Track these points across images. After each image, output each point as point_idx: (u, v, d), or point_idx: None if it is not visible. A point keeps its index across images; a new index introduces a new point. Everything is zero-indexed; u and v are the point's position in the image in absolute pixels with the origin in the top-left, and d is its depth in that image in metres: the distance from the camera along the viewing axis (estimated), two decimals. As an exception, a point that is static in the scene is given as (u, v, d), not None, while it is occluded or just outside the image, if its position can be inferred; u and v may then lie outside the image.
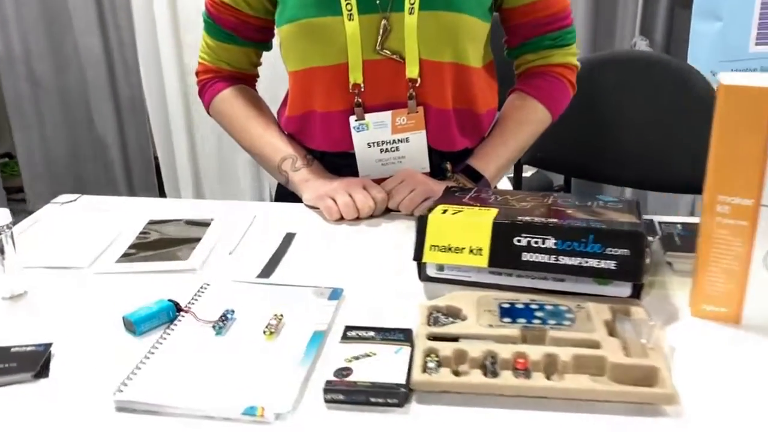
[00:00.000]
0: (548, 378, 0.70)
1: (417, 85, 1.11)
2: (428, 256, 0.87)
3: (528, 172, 2.43)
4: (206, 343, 0.77)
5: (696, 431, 0.65)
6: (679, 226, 0.99)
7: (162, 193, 3.00)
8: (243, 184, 2.89)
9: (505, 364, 0.71)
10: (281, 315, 0.81)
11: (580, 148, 1.81)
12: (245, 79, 1.28)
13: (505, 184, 2.60)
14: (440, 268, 0.90)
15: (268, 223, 1.09)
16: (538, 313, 0.79)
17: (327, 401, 0.69)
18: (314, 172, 1.16)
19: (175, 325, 0.81)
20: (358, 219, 1.09)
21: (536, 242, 0.83)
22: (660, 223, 1.00)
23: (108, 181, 3.06)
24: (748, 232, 0.76)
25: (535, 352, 0.72)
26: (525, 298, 0.83)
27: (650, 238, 1.00)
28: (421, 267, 0.90)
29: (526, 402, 0.69)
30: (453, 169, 1.18)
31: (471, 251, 0.85)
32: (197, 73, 1.28)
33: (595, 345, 0.74)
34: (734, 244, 0.77)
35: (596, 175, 1.96)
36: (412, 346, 0.74)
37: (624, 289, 0.84)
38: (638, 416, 0.67)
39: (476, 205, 0.92)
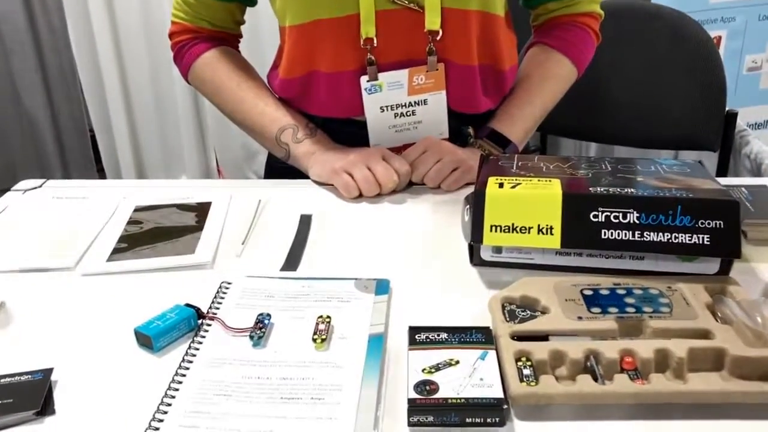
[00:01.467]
0: (664, 377, 0.60)
1: (438, 38, 0.97)
2: (489, 239, 0.75)
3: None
4: (246, 358, 0.64)
5: None
6: (744, 189, 0.89)
7: (101, 172, 2.78)
8: (188, 158, 2.69)
9: (610, 365, 0.61)
10: (328, 317, 0.68)
11: (561, 103, 1.72)
12: (228, 40, 1.12)
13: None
14: (497, 250, 0.78)
15: (274, 205, 0.95)
16: (629, 300, 0.69)
17: (412, 424, 0.57)
18: (320, 143, 1.02)
19: (203, 336, 0.67)
20: (379, 195, 0.96)
21: (616, 217, 0.72)
22: (726, 186, 0.90)
23: (38, 158, 2.80)
24: None
25: (643, 349, 0.61)
26: (606, 281, 0.72)
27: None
28: (476, 250, 0.78)
29: (641, 409, 0.58)
30: (476, 134, 1.05)
31: (540, 230, 0.74)
32: (171, 35, 1.11)
33: (706, 335, 0.64)
34: None
35: (578, 132, 1.88)
36: (496, 348, 0.63)
37: (712, 265, 0.74)
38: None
39: (531, 175, 0.80)
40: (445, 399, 0.57)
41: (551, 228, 0.73)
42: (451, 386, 0.58)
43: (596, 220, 0.73)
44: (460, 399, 0.57)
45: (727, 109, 1.51)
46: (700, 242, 0.71)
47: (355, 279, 0.75)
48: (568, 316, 0.66)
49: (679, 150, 2.15)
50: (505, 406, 0.56)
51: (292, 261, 0.80)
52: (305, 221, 0.89)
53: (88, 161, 2.86)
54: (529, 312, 0.68)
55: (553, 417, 0.58)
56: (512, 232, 0.74)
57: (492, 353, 0.62)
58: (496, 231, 0.75)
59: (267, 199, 0.96)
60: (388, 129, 1.03)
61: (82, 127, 2.81)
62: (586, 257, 0.76)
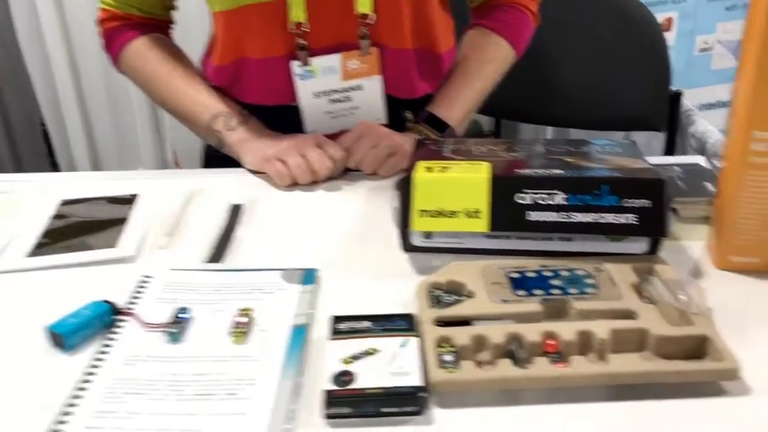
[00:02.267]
0: (586, 359, 0.59)
1: (370, 21, 0.95)
2: (418, 224, 0.73)
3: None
4: (159, 355, 0.62)
5: (766, 407, 0.56)
6: (676, 168, 0.89)
7: (54, 165, 2.71)
8: (144, 151, 2.64)
9: (533, 348, 0.60)
10: (249, 309, 0.66)
11: (512, 88, 1.72)
12: (159, 27, 1.08)
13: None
14: (427, 235, 0.76)
15: (205, 195, 0.92)
16: (555, 281, 0.68)
17: (329, 417, 0.55)
18: (253, 131, 1.00)
19: (115, 333, 0.64)
20: (314, 183, 0.94)
21: (543, 198, 0.71)
22: (656, 165, 0.90)
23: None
24: (785, 171, 0.67)
25: (565, 331, 0.60)
26: (533, 264, 0.71)
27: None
28: (406, 236, 0.77)
29: (564, 393, 0.57)
30: (414, 118, 1.03)
31: (467, 214, 0.72)
32: (101, 21, 1.07)
33: (630, 315, 0.63)
34: (770, 185, 0.68)
35: (531, 117, 1.88)
36: (419, 335, 0.61)
37: (640, 245, 0.73)
38: (693, 398, 0.57)
39: (462, 159, 0.79)
40: (362, 389, 0.55)
41: (478, 211, 0.72)
42: (369, 376, 0.57)
43: (523, 202, 0.72)
44: (377, 389, 0.55)
45: (673, 89, 1.52)
46: (627, 222, 0.70)
47: (282, 270, 0.73)
48: (493, 299, 0.65)
49: (630, 131, 2.17)
50: (423, 394, 0.55)
51: (217, 252, 0.78)
52: (235, 211, 0.87)
53: (41, 155, 2.79)
54: (455, 297, 0.67)
55: (475, 403, 0.57)
56: (440, 216, 0.73)
57: (413, 340, 0.61)
58: (424, 216, 0.73)
59: (198, 189, 0.93)
60: (323, 115, 1.01)
61: (33, 121, 2.73)
62: (515, 240, 0.75)
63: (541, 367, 0.57)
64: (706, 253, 0.76)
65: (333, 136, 0.98)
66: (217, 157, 1.06)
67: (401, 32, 0.98)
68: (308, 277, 0.72)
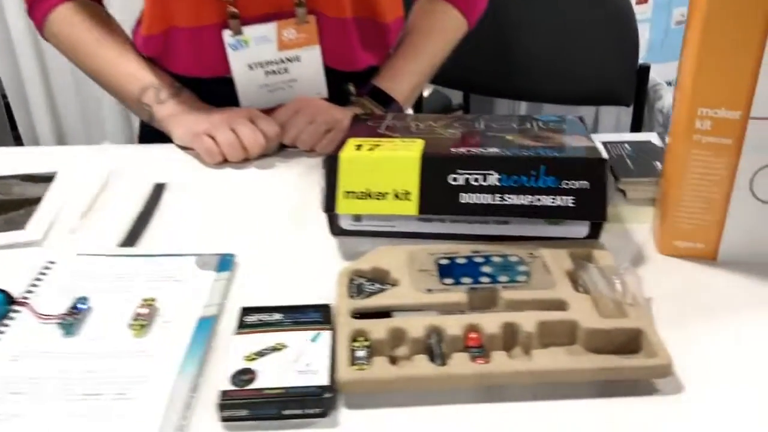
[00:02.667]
0: (509, 355, 0.55)
1: (306, -13, 0.89)
2: (342, 206, 0.68)
3: (426, 90, 2.27)
4: (52, 349, 0.56)
5: (699, 407, 0.52)
6: (627, 146, 0.85)
7: (17, 140, 2.62)
8: (109, 124, 2.55)
9: (454, 343, 0.55)
10: (152, 299, 0.61)
11: (481, 61, 1.67)
12: (89, -9, 1.01)
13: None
14: (357, 218, 0.71)
15: (130, 173, 0.86)
16: (486, 269, 0.63)
17: (224, 419, 0.50)
18: (184, 104, 0.94)
19: (5, 326, 0.59)
20: (246, 161, 0.88)
21: (476, 179, 0.67)
22: (605, 143, 0.85)
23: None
24: (732, 151, 0.62)
25: (489, 323, 0.56)
26: (465, 249, 0.66)
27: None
28: (333, 219, 0.72)
29: (486, 392, 0.53)
30: (358, 92, 0.98)
31: (396, 196, 0.68)
32: (24, -16, 1.00)
33: (561, 305, 0.59)
34: (715, 166, 0.63)
35: (499, 91, 1.84)
36: (334, 328, 0.57)
37: (580, 229, 0.69)
38: (623, 397, 0.53)
39: (396, 136, 0.74)
40: (261, 389, 0.51)
41: (408, 193, 0.67)
42: (273, 374, 0.52)
43: (455, 183, 0.67)
44: (278, 389, 0.51)
45: (643, 63, 1.48)
46: (565, 205, 0.66)
47: (197, 255, 0.68)
48: (417, 288, 0.61)
49: (599, 105, 2.12)
50: (328, 395, 0.50)
51: (132, 236, 0.73)
52: (157, 191, 0.81)
53: (3, 129, 2.70)
54: (378, 285, 0.62)
55: (388, 404, 0.52)
56: (367, 198, 0.68)
57: (326, 334, 0.56)
58: (350, 197, 0.68)
59: (122, 166, 0.87)
60: (259, 88, 0.95)
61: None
62: (449, 223, 0.70)
63: (459, 363, 0.53)
64: (652, 237, 0.71)
65: (271, 112, 0.92)
66: (152, 133, 1.00)
67: (339, 0, 0.92)
68: (224, 263, 0.67)
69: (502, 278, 0.62)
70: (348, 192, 0.68)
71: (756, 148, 0.61)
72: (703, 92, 0.61)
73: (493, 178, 0.66)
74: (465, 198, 0.67)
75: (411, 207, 0.67)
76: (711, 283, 0.65)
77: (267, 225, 0.75)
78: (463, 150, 0.68)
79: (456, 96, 2.43)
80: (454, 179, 0.67)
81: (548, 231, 0.69)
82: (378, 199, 0.68)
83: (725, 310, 0.61)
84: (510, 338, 0.56)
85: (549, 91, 1.67)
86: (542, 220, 0.68)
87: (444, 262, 0.64)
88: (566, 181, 0.66)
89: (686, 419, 0.51)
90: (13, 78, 2.46)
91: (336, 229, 0.73)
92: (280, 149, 0.91)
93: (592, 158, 0.66)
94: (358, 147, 0.70)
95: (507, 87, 1.70)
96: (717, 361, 0.56)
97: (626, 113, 1.64)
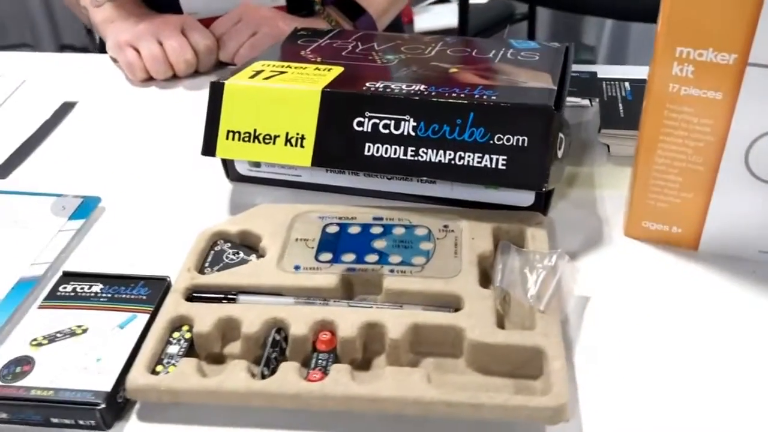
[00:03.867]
0: (362, 368, 0.42)
1: None
2: (223, 149, 0.55)
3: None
4: None
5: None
6: (627, 84, 0.67)
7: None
8: (40, 28, 2.44)
9: (299, 345, 0.43)
10: (-25, 251, 0.51)
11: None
12: None
13: (449, 19, 2.20)
14: (256, 163, 0.58)
15: (41, 88, 0.76)
16: (379, 243, 0.50)
17: (-15, 421, 0.41)
18: (122, 8, 0.81)
19: None
20: (174, 77, 0.76)
21: (386, 126, 0.52)
22: (606, 80, 0.68)
23: None
24: (722, 108, 0.45)
25: (347, 322, 0.43)
26: (367, 214, 0.53)
27: (585, 103, 0.68)
28: (229, 161, 0.59)
29: (314, 417, 0.40)
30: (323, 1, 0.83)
31: (288, 141, 0.54)
32: None
33: (455, 302, 0.45)
34: (699, 128, 0.46)
35: (570, 4, 1.63)
36: (155, 311, 0.45)
37: (525, 196, 0.53)
38: (508, 436, 0.39)
39: (316, 61, 0.59)
40: (29, 388, 0.40)
41: (302, 138, 0.54)
42: (51, 369, 0.41)
43: (360, 129, 0.52)
44: (48, 390, 0.40)
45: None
46: (493, 165, 0.50)
47: (58, 195, 0.57)
48: (282, 265, 0.48)
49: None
50: (103, 407, 0.39)
51: (7, 165, 0.63)
52: (61, 112, 0.70)
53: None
54: (242, 255, 0.50)
55: (187, 419, 0.41)
56: (253, 141, 0.55)
57: (142, 319, 0.45)
58: (233, 139, 0.55)
59: (40, 77, 0.77)
60: (205, -8, 0.81)
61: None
62: (364, 177, 0.56)
63: (282, 378, 0.40)
64: (623, 212, 0.55)
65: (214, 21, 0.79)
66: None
67: None
68: (82, 209, 0.56)
69: (394, 258, 0.48)
70: (230, 131, 0.55)
71: (756, 107, 0.44)
72: (682, 24, 0.43)
73: (408, 126, 0.52)
74: (370, 149, 0.52)
75: (304, 156, 0.54)
76: (684, 281, 0.49)
77: (159, 163, 0.63)
78: (380, 85, 0.53)
79: (521, 7, 2.18)
80: (360, 123, 0.52)
81: (485, 195, 0.54)
82: (266, 143, 0.54)
83: (697, 322, 0.45)
84: (376, 345, 0.43)
85: (619, 4, 1.47)
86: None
87: (333, 230, 0.51)
88: (500, 135, 0.50)
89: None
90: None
91: (233, 174, 0.60)
92: (219, 66, 0.78)
93: (534, 105, 0.50)
94: (256, 74, 0.56)
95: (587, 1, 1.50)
96: (650, 399, 0.41)
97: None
